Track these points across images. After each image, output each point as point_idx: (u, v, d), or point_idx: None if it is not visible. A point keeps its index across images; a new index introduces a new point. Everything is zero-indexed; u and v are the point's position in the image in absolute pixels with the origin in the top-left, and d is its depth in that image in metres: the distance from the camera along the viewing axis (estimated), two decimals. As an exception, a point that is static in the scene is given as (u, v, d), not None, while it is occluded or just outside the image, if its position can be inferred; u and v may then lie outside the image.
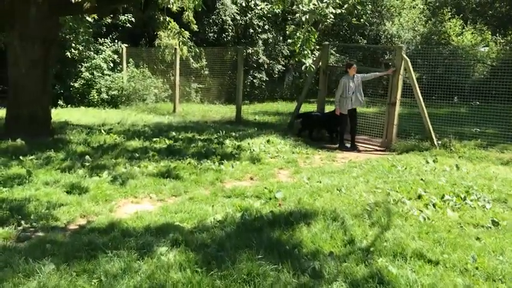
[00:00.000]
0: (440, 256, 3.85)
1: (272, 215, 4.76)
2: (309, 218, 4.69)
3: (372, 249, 3.98)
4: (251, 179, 6.83)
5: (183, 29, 10.72)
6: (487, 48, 8.67)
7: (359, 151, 9.58)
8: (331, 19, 18.85)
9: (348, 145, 9.75)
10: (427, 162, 7.80)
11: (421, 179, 6.52)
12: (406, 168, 7.31)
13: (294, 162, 7.87)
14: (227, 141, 9.20)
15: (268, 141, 9.48)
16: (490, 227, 4.66)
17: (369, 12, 20.89)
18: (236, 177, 6.77)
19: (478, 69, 17.57)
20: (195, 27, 10.39)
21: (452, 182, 6.34)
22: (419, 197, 5.64)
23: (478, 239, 4.31)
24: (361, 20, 20.66)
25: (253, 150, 8.59)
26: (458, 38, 21.15)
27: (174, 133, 9.86)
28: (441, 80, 11.24)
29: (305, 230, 4.40)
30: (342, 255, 3.89)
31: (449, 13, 22.04)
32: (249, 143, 9.16)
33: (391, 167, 7.38)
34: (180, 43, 10.73)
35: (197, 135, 9.86)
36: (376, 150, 9.76)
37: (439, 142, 9.26)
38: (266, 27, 18.49)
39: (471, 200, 5.50)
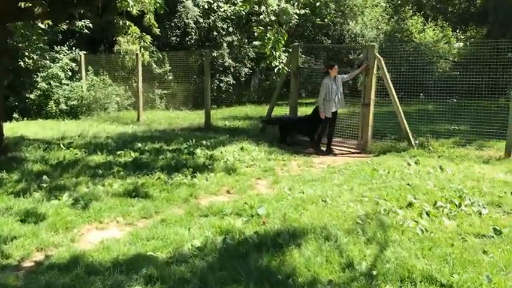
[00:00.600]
0: (451, 277, 3.43)
1: (257, 236, 4.24)
2: (298, 238, 4.20)
3: (374, 272, 3.52)
4: (228, 192, 6.29)
5: (144, 34, 10.04)
6: (461, 44, 8.51)
7: (335, 155, 9.19)
8: (295, 20, 18.59)
9: (324, 149, 9.34)
10: (409, 164, 7.46)
11: (408, 184, 6.15)
12: (388, 172, 6.93)
13: (271, 171, 7.38)
14: (198, 151, 8.62)
15: (241, 148, 8.95)
16: (493, 236, 4.29)
17: (332, 11, 20.67)
18: (212, 191, 6.21)
19: (441, 65, 17.62)
20: (157, 30, 9.71)
21: (441, 186, 5.99)
22: (410, 204, 5.25)
23: (485, 252, 3.92)
24: (325, 20, 20.43)
25: (227, 159, 8.04)
26: (421, 35, 21.23)
27: (139, 144, 9.19)
28: (407, 78, 10.95)
29: (296, 253, 3.90)
30: (342, 283, 3.41)
31: (411, 10, 22.13)
32: (221, 152, 8.61)
33: (373, 172, 6.99)
34: (142, 48, 10.04)
35: (165, 145, 9.22)
36: (352, 153, 9.40)
37: (417, 142, 8.98)
38: (230, 29, 17.98)
39: (465, 206, 5.14)
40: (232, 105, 18.13)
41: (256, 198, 5.68)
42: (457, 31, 21.52)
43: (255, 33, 9.10)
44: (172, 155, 8.18)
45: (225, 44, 17.73)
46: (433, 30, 21.57)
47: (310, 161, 8.33)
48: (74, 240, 4.48)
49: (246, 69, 18.54)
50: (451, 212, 4.98)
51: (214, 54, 17.25)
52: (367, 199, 5.54)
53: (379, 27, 21.92)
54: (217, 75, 17.56)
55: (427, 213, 4.94)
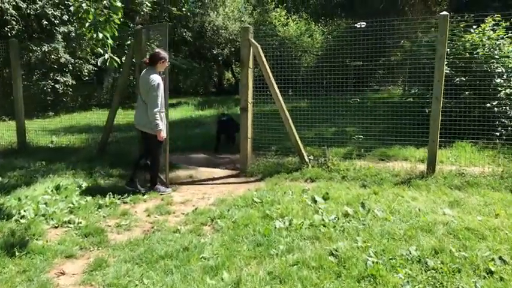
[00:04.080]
0: None
1: None
2: None
3: None
4: (-11, 312, 2.88)
5: None
6: (363, 24, 6.49)
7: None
8: (148, 8, 15.12)
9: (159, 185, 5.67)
10: (315, 201, 4.73)
11: (331, 254, 3.39)
12: (290, 224, 4.10)
13: (97, 235, 4.07)
14: (-22, 200, 4.92)
15: (57, 187, 5.43)
16: None
17: (191, 1, 17.63)
18: None
19: (306, 59, 15.88)
20: None
21: (387, 255, 3.30)
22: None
23: None
24: (183, 9, 17.27)
25: (25, 213, 4.51)
26: (285, 28, 19.33)
27: None
28: (274, 73, 8.32)
29: None
30: None
31: (273, 2, 20.05)
32: (20, 198, 5.01)
33: (266, 225, 4.11)
34: None
35: None
36: (227, 176, 6.49)
37: (310, 158, 6.39)
38: (65, 17, 13.72)
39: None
40: (76, 111, 14.03)
41: None
42: (319, 25, 20.06)
43: (72, 8, 5.61)
44: None
45: (59, 36, 13.47)
46: (296, 23, 19.83)
47: (168, 201, 5.16)
48: None
49: (90, 67, 14.47)
50: None
51: (46, 48, 12.95)
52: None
53: (243, 19, 19.45)
54: (51, 74, 13.24)
55: None
